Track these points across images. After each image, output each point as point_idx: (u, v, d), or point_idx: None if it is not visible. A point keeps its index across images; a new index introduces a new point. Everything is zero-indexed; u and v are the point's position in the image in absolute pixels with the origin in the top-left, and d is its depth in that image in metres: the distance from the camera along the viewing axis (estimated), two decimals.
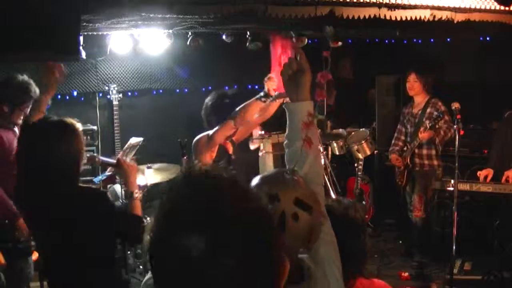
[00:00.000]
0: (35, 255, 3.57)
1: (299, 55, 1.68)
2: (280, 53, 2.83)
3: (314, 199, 1.47)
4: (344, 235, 1.62)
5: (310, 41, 5.42)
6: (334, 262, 1.55)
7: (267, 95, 3.10)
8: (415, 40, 6.55)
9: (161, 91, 6.10)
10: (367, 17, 3.77)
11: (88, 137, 5.14)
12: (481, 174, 4.76)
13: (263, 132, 5.10)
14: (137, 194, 2.54)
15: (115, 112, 5.47)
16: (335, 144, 5.66)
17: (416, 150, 5.08)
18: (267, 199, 1.40)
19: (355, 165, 5.66)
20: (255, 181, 1.48)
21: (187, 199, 0.87)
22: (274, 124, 4.34)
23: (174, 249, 0.83)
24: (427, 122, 4.88)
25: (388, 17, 3.84)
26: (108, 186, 5.17)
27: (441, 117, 4.82)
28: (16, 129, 3.50)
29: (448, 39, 6.21)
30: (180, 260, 0.83)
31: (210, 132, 3.33)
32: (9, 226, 3.34)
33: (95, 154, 2.96)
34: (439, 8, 3.97)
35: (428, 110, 5.05)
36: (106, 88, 5.64)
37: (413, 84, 5.12)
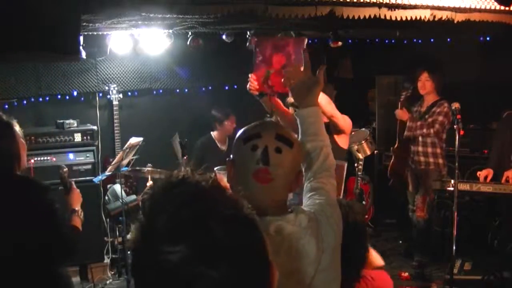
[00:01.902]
0: None
1: (319, 70, 1.86)
2: (271, 53, 2.80)
3: (294, 137, 1.58)
4: (345, 239, 1.62)
5: (310, 41, 5.43)
6: (330, 217, 1.58)
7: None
8: (415, 40, 6.55)
9: (161, 91, 6.09)
10: (367, 17, 3.76)
11: (88, 137, 5.12)
12: (481, 174, 4.76)
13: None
14: (80, 213, 2.57)
15: (115, 112, 5.46)
16: None
17: (421, 149, 5.05)
18: (250, 138, 1.51)
19: (355, 165, 5.66)
20: (239, 133, 1.58)
21: (167, 208, 0.83)
22: None
23: (157, 260, 0.80)
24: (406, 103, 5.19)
25: (388, 17, 3.83)
26: (108, 185, 5.17)
27: (408, 88, 5.21)
28: None
29: (448, 39, 6.21)
30: (162, 272, 0.80)
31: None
32: None
33: (63, 166, 2.97)
34: (439, 8, 3.96)
35: (433, 109, 5.02)
36: (106, 88, 5.63)
37: (425, 83, 5.05)
